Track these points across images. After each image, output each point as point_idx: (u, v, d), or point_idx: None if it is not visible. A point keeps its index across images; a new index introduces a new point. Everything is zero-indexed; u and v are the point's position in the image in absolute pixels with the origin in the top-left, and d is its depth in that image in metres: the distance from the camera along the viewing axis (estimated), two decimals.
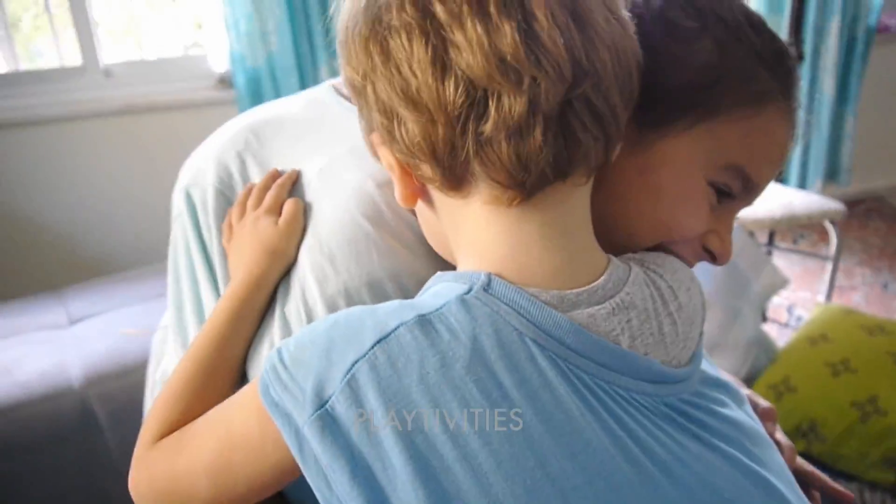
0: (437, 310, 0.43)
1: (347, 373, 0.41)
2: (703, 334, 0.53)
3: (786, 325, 2.34)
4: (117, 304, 1.75)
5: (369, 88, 0.46)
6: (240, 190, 0.64)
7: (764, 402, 0.66)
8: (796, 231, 3.07)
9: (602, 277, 0.47)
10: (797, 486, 0.52)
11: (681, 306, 0.50)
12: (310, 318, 0.56)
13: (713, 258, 0.56)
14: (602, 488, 0.41)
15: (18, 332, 1.63)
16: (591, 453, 0.41)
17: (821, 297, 2.18)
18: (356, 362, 0.41)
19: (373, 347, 0.42)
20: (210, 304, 0.64)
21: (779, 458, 0.52)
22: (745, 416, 0.52)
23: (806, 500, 0.51)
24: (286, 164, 0.64)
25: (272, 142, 0.65)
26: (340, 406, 0.41)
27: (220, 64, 2.31)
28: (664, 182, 0.52)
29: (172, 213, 0.68)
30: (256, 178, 0.64)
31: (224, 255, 0.64)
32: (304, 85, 2.28)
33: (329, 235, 0.56)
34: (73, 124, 2.17)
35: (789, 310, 2.45)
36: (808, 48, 2.92)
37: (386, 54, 0.44)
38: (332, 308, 0.56)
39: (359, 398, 0.41)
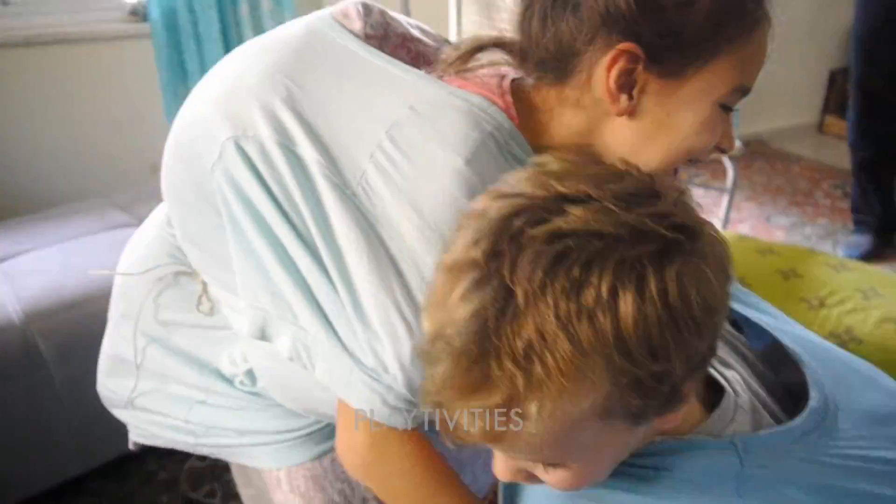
0: None
1: None
2: None
3: None
4: (42, 242, 1.70)
5: None
6: (303, 145, 0.62)
7: None
8: (690, 171, 3.32)
9: None
10: None
11: None
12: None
13: (723, 151, 0.67)
14: None
15: None
16: None
17: (718, 227, 2.40)
18: None
19: None
20: (305, 266, 0.63)
21: None
22: None
23: None
24: (331, 117, 0.63)
25: (311, 90, 0.64)
26: None
27: None
28: (691, 117, 0.62)
29: (211, 159, 0.65)
30: (302, 138, 0.63)
31: (326, 222, 0.62)
32: (223, 18, 2.22)
33: (433, 214, 0.60)
34: None
35: None
36: None
37: None
38: None
39: None
